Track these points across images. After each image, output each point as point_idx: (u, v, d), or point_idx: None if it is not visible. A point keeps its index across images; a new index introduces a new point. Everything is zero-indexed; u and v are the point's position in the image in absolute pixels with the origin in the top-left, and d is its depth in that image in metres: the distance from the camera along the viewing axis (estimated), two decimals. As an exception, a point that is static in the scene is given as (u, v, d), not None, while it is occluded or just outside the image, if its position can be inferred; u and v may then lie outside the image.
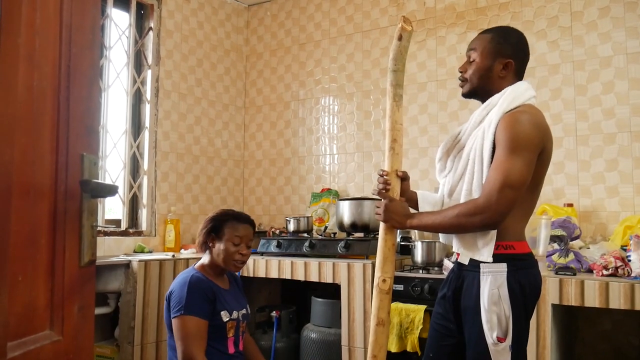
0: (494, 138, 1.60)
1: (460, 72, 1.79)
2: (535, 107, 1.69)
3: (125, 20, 3.48)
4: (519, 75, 1.74)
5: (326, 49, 3.81)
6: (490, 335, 1.56)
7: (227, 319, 2.03)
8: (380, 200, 1.77)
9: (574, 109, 2.87)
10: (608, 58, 2.80)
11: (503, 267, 1.58)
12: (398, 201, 1.75)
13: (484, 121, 1.67)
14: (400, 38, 1.76)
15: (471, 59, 1.75)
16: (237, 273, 2.31)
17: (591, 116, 2.82)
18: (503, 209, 1.53)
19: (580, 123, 2.85)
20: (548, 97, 2.94)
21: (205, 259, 2.13)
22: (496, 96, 1.68)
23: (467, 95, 1.79)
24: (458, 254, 1.71)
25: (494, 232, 1.59)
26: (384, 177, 1.78)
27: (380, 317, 1.73)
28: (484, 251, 1.59)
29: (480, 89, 1.73)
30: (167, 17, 3.63)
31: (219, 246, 2.08)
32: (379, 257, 1.76)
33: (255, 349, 2.28)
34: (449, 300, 1.74)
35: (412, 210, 1.78)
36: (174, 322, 1.94)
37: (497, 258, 1.59)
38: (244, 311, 2.15)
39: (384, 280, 1.73)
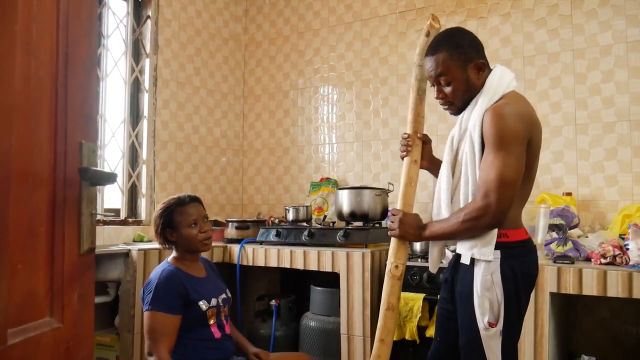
0: (482, 136, 1.61)
1: (440, 98, 1.75)
2: (517, 93, 1.69)
3: (123, 8, 3.46)
4: (488, 66, 1.74)
5: (325, 38, 3.79)
6: (482, 320, 1.59)
7: (207, 307, 2.06)
8: (392, 214, 1.80)
9: (573, 98, 2.87)
10: (608, 46, 2.78)
11: (497, 254, 1.60)
12: (411, 214, 1.78)
13: (469, 123, 1.68)
14: (427, 34, 1.81)
15: (444, 83, 1.71)
16: (211, 260, 2.35)
17: (591, 105, 2.82)
18: (503, 207, 1.55)
19: (580, 112, 2.84)
20: (548, 86, 2.94)
21: (174, 252, 2.15)
22: (477, 95, 1.69)
23: (458, 113, 1.77)
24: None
25: (494, 233, 1.60)
26: (407, 139, 1.84)
27: (390, 302, 1.76)
28: (485, 250, 1.60)
29: (467, 101, 1.72)
30: (165, 5, 3.60)
31: (179, 236, 2.09)
32: (393, 243, 1.80)
33: (234, 331, 2.32)
34: (449, 285, 1.78)
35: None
36: (144, 315, 2.00)
37: None
38: (223, 296, 2.18)
39: (396, 267, 1.77)
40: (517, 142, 1.56)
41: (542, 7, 2.98)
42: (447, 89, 1.71)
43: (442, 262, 1.88)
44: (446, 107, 1.77)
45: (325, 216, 3.40)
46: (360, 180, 3.55)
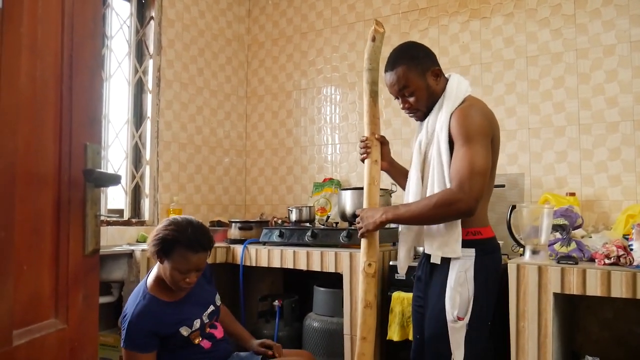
0: (449, 137, 1.70)
1: (406, 108, 1.85)
2: (476, 97, 1.81)
3: (126, 9, 3.47)
4: (443, 73, 1.85)
5: (328, 38, 3.79)
6: (451, 313, 1.67)
7: (188, 333, 1.97)
8: (357, 215, 1.88)
9: (576, 98, 2.86)
10: (611, 46, 2.78)
11: (472, 252, 1.68)
12: (369, 208, 1.87)
13: (436, 126, 1.77)
14: (374, 39, 1.91)
15: (407, 94, 1.81)
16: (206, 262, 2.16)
17: (594, 105, 2.81)
18: (476, 195, 1.62)
19: (583, 112, 2.84)
20: (551, 86, 2.93)
21: (155, 271, 2.02)
22: (440, 100, 1.79)
23: (424, 119, 1.86)
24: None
25: (459, 230, 1.67)
26: (365, 141, 1.94)
27: (367, 299, 1.82)
28: (455, 247, 1.68)
29: (430, 106, 1.81)
30: (168, 6, 3.61)
31: (166, 266, 1.93)
32: (363, 243, 1.86)
33: (233, 325, 2.28)
34: (424, 283, 1.83)
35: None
36: (123, 350, 1.94)
37: (466, 244, 1.68)
38: (210, 309, 2.08)
39: (369, 265, 1.83)
40: (484, 136, 1.67)
41: (545, 7, 2.98)
42: (411, 99, 1.81)
43: (412, 261, 1.93)
44: (412, 114, 1.87)
45: (328, 217, 3.40)
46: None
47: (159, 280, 1.99)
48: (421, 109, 1.83)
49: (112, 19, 3.32)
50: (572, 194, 2.72)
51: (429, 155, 1.77)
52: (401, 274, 1.92)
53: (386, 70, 1.83)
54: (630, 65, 2.72)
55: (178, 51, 3.67)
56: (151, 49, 3.52)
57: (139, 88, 3.52)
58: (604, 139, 2.77)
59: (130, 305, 1.97)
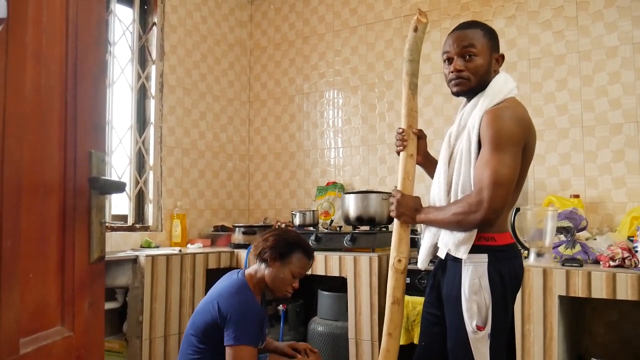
0: (479, 136, 1.63)
1: (459, 70, 1.70)
2: (517, 100, 1.72)
3: (129, 15, 3.48)
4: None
5: (330, 42, 3.80)
6: (470, 324, 1.61)
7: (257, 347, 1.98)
8: (392, 195, 1.82)
9: (580, 100, 2.86)
10: (614, 48, 2.78)
11: (484, 257, 1.62)
12: (409, 196, 1.81)
13: (468, 122, 1.69)
14: (415, 30, 1.83)
15: (469, 57, 1.69)
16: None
17: (597, 107, 2.81)
18: (496, 206, 1.56)
19: (587, 114, 2.83)
20: (554, 88, 2.93)
21: (258, 271, 2.02)
22: (479, 95, 1.70)
23: (461, 94, 1.75)
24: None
25: (473, 234, 1.62)
26: (402, 134, 1.86)
27: (395, 296, 1.78)
28: (462, 249, 1.63)
29: (476, 86, 1.71)
30: (171, 12, 3.62)
31: (278, 270, 1.98)
32: (394, 237, 1.82)
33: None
34: (435, 289, 1.79)
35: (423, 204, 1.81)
36: (230, 349, 1.85)
37: (478, 249, 1.62)
38: (266, 331, 2.09)
39: (399, 260, 1.79)
40: (514, 144, 1.59)
41: (548, 9, 2.98)
42: (470, 63, 1.69)
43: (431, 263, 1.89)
44: (459, 81, 1.71)
45: (332, 220, 3.39)
46: (367, 184, 3.55)
47: (256, 284, 2.01)
48: (471, 80, 1.69)
49: (114, 25, 3.34)
50: (576, 196, 2.71)
51: (456, 150, 1.72)
52: (421, 267, 1.88)
53: (456, 30, 1.74)
54: (633, 67, 2.72)
55: (181, 57, 3.68)
56: (154, 54, 3.53)
57: (142, 94, 3.53)
58: (607, 141, 2.77)
59: (237, 300, 1.91)
